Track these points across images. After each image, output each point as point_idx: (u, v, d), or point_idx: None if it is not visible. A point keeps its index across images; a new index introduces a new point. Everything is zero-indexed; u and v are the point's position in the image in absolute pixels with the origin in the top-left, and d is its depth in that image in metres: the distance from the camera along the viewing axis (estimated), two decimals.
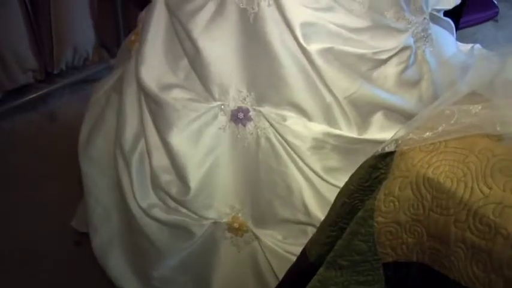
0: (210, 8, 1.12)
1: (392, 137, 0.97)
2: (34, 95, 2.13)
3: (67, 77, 2.21)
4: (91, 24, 2.20)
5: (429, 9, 1.19)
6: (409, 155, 0.93)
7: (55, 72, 2.17)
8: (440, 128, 0.92)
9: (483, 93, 0.95)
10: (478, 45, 1.34)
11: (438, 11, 1.25)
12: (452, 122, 0.92)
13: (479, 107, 0.91)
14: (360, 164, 1.04)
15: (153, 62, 1.19)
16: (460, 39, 2.57)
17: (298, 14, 1.06)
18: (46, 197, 1.74)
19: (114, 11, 2.27)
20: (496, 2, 2.70)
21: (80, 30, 2.17)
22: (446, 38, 1.26)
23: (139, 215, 1.24)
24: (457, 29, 1.38)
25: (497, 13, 2.64)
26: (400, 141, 0.95)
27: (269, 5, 1.07)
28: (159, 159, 1.22)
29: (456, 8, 1.31)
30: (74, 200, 1.60)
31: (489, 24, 2.66)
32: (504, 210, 0.80)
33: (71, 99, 2.21)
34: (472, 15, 2.61)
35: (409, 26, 1.14)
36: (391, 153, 0.97)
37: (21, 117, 2.09)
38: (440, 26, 1.26)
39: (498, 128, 0.88)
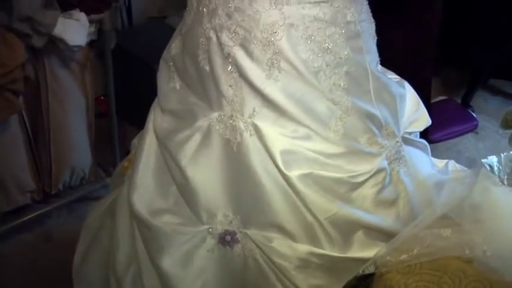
0: (196, 138, 1.20)
1: (372, 258, 1.03)
2: (31, 216, 2.17)
3: (64, 197, 2.26)
4: (88, 144, 2.29)
5: (401, 133, 1.28)
6: (387, 276, 0.99)
7: (53, 192, 2.23)
8: (415, 251, 0.99)
9: (453, 216, 1.02)
10: (452, 161, 1.42)
11: (410, 133, 1.34)
12: (425, 245, 0.99)
13: (450, 231, 0.99)
14: (344, 283, 1.09)
15: (144, 189, 1.25)
16: (443, 150, 2.69)
17: (278, 143, 1.14)
18: None
19: (111, 131, 2.38)
20: (474, 115, 2.84)
21: (77, 151, 2.25)
22: (420, 158, 1.34)
23: None
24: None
25: (476, 125, 2.79)
26: (378, 263, 1.01)
27: (251, 135, 1.15)
28: (151, 281, 1.25)
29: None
30: None
31: (470, 136, 2.79)
32: None
33: (67, 218, 2.25)
34: (452, 128, 2.75)
35: (382, 150, 1.22)
36: (372, 273, 1.02)
37: (17, 238, 2.12)
38: (414, 146, 1.34)
39: (467, 252, 0.94)
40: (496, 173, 1.28)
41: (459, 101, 2.99)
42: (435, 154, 2.58)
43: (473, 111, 2.90)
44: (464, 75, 3.08)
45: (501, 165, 1.29)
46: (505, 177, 1.26)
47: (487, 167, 1.26)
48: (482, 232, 0.95)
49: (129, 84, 2.52)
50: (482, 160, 1.26)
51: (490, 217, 0.98)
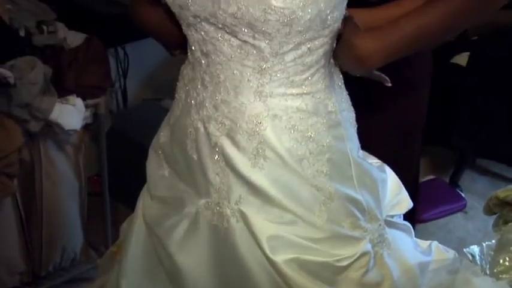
0: (184, 225, 1.23)
1: None
2: None
3: (53, 279, 2.26)
4: (80, 225, 2.31)
5: (384, 216, 1.32)
6: None
7: (42, 274, 2.22)
8: None
9: None
10: (435, 242, 1.45)
11: (392, 216, 1.37)
12: None
13: None
14: None
15: (133, 275, 1.27)
16: (433, 230, 2.72)
17: (264, 228, 1.17)
18: None
19: (103, 210, 2.40)
20: (463, 194, 2.89)
21: (69, 232, 2.27)
22: (403, 240, 1.36)
23: None
24: (414, 225, 1.49)
25: (465, 205, 2.84)
26: None
27: (237, 221, 1.18)
28: None
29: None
30: None
31: (459, 216, 2.83)
32: None
33: None
34: (441, 207, 2.79)
35: (366, 233, 1.25)
36: None
37: None
38: (397, 229, 1.37)
39: None
40: (478, 262, 1.32)
41: (447, 180, 3.04)
42: (425, 233, 2.62)
43: (462, 191, 2.95)
44: (452, 154, 3.16)
45: (483, 255, 1.32)
46: (487, 266, 1.29)
47: (469, 256, 1.30)
48: None
49: (124, 165, 2.57)
50: (464, 250, 1.29)
51: None
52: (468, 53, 2.87)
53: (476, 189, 3.03)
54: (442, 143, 3.09)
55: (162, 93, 2.95)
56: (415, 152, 1.86)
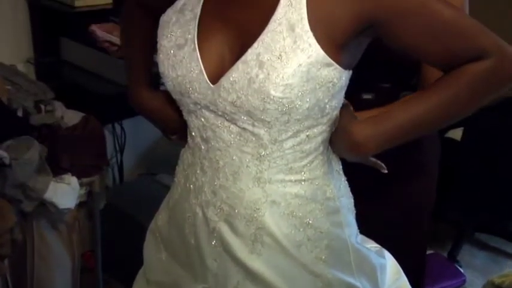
0: None
1: None
2: None
3: None
4: None
5: None
6: None
7: None
8: None
9: None
10: None
11: None
12: None
13: None
14: None
15: None
16: None
17: None
18: None
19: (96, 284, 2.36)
20: (462, 270, 2.85)
21: None
22: None
23: None
24: None
25: (464, 281, 2.78)
26: None
27: None
28: None
29: None
30: None
31: None
32: None
33: None
34: (440, 284, 2.74)
35: None
36: None
37: None
38: None
39: None
40: None
41: (446, 255, 3.00)
42: None
43: (461, 266, 2.91)
44: (450, 229, 3.13)
45: None
46: None
47: None
48: None
49: (119, 240, 2.54)
50: None
51: None
52: (462, 128, 2.90)
53: (475, 265, 2.98)
54: (439, 217, 3.07)
55: (157, 168, 2.95)
56: (424, 234, 1.81)
